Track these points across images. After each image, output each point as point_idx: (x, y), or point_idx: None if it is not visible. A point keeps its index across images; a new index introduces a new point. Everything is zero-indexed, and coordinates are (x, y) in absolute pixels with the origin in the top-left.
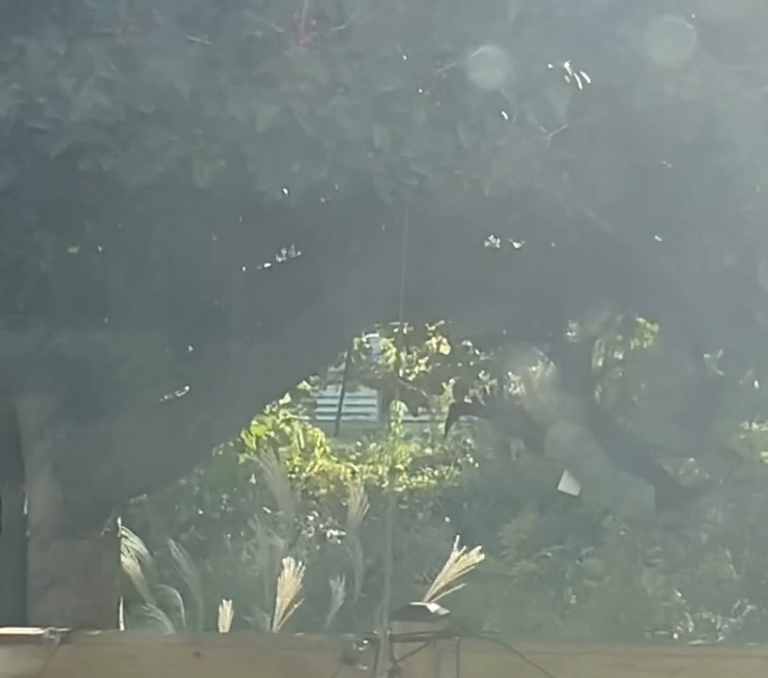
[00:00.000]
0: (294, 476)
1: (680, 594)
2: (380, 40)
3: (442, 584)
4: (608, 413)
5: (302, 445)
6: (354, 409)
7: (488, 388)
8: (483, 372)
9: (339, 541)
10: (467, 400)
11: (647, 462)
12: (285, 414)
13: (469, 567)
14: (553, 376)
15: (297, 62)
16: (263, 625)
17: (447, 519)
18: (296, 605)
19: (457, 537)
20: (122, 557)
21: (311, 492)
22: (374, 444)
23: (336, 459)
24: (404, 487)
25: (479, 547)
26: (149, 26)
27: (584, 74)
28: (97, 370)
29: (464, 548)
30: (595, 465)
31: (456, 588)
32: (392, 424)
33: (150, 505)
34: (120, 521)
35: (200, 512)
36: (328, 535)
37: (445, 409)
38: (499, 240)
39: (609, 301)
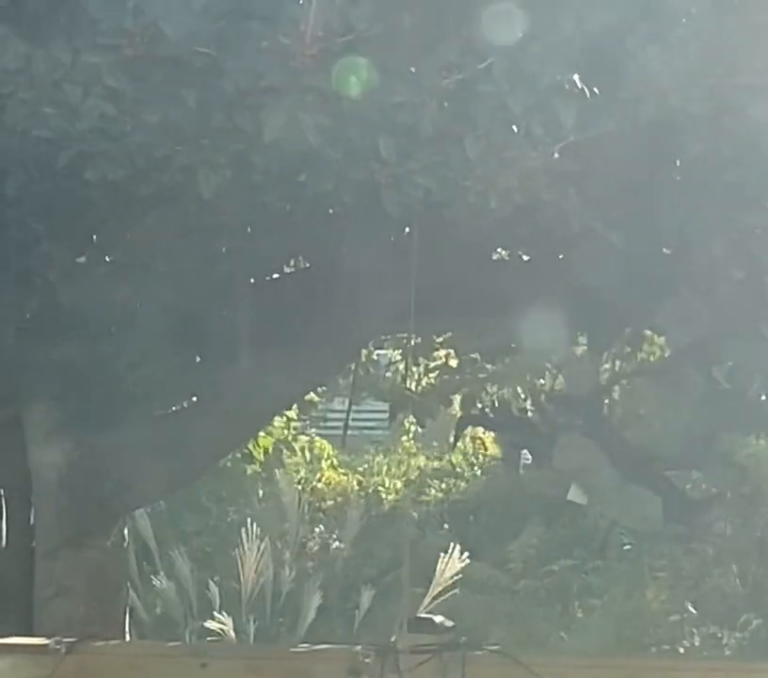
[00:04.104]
0: (300, 487)
1: (686, 608)
2: (387, 52)
3: (438, 589)
4: (615, 426)
5: (309, 457)
6: (361, 420)
7: (495, 400)
8: (491, 384)
9: (345, 553)
10: (474, 412)
11: (654, 475)
12: (293, 426)
13: (460, 571)
14: (561, 388)
15: (304, 73)
16: (268, 635)
17: (452, 532)
18: (301, 616)
19: (455, 546)
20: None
21: (317, 504)
22: (381, 456)
23: (343, 470)
24: (411, 499)
25: (468, 552)
26: (155, 37)
27: (591, 87)
28: (104, 380)
29: (453, 553)
30: (602, 477)
31: (459, 598)
32: (402, 437)
33: (156, 515)
34: (126, 531)
35: (208, 523)
36: (334, 547)
37: (454, 421)
38: (507, 252)
39: (617, 314)
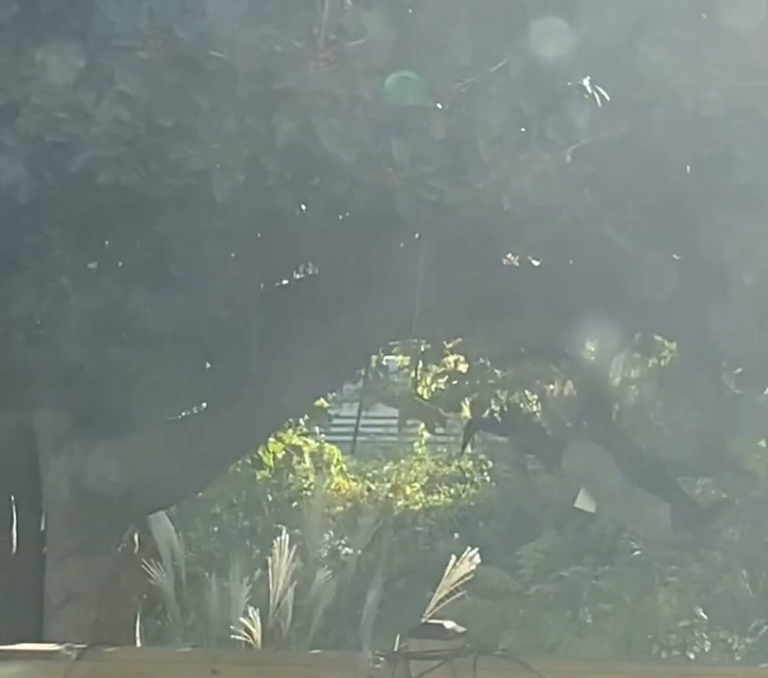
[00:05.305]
0: (309, 493)
1: (696, 613)
2: (399, 55)
3: (444, 593)
4: (625, 431)
5: (318, 463)
6: (371, 427)
7: (504, 405)
8: (500, 390)
9: (354, 559)
10: (483, 417)
11: (663, 480)
12: (302, 432)
13: (469, 574)
14: (570, 393)
15: (317, 77)
16: (280, 641)
17: (462, 537)
18: (314, 621)
19: (468, 550)
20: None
21: (326, 510)
22: (391, 463)
23: (352, 476)
24: (420, 505)
25: (478, 556)
26: (169, 40)
27: (603, 90)
28: (115, 386)
29: (462, 556)
30: (611, 483)
31: (469, 603)
32: (415, 443)
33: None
34: (136, 537)
35: (217, 529)
36: (344, 553)
37: (463, 427)
38: (517, 257)
39: (627, 319)
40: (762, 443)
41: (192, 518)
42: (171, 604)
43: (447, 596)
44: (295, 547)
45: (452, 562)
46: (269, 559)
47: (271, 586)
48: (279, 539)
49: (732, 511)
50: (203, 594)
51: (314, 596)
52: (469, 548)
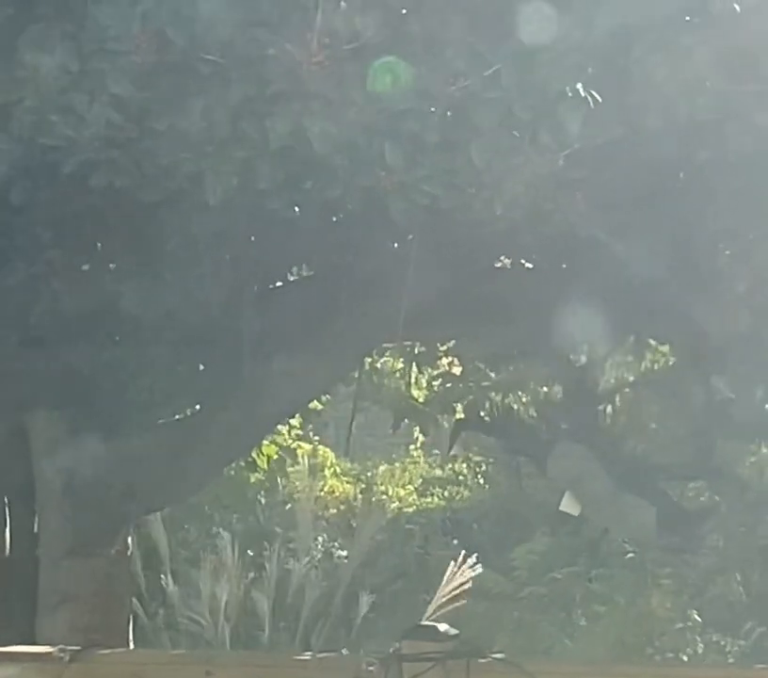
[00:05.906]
0: (303, 495)
1: (690, 616)
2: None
3: (442, 600)
4: (614, 434)
5: (312, 465)
6: (365, 429)
7: (495, 406)
8: (494, 392)
9: (347, 562)
10: (473, 418)
11: (650, 484)
12: (296, 434)
13: (467, 582)
14: (562, 395)
15: (310, 81)
16: (273, 644)
17: (456, 540)
18: (308, 625)
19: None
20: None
21: (320, 512)
22: (384, 465)
23: (346, 479)
24: (414, 507)
25: (476, 561)
26: (162, 44)
27: (596, 95)
28: (109, 388)
29: (459, 562)
30: (597, 486)
31: (462, 605)
32: (409, 446)
33: (160, 523)
34: (130, 539)
35: (209, 531)
36: (337, 555)
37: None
38: (510, 260)
39: (620, 322)
40: (755, 447)
41: (185, 520)
42: (164, 605)
43: (444, 604)
44: (237, 546)
45: (449, 569)
46: (213, 557)
47: (224, 583)
48: (222, 538)
49: (718, 517)
50: (195, 596)
51: (299, 597)
52: (462, 552)
